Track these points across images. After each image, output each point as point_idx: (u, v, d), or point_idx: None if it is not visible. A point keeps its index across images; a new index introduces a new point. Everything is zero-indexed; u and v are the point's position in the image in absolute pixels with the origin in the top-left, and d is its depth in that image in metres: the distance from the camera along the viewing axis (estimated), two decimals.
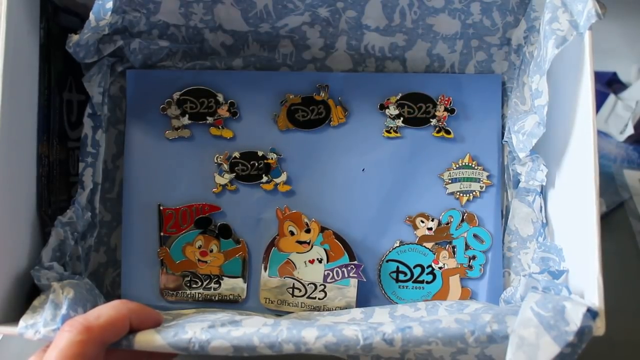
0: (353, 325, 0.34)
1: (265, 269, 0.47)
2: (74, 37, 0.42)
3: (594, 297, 0.34)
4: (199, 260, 0.47)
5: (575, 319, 0.32)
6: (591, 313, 0.33)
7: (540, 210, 0.45)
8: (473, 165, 0.48)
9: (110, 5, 0.40)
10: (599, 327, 0.33)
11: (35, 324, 0.35)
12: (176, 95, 0.48)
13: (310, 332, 0.34)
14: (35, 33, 0.42)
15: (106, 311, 0.33)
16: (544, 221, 0.45)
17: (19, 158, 0.40)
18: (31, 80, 0.42)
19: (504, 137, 0.48)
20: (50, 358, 0.31)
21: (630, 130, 0.61)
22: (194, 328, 0.34)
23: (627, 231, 0.56)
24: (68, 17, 0.46)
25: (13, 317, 0.37)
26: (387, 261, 0.47)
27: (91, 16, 0.41)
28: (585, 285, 0.35)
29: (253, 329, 0.34)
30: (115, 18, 0.44)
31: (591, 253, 0.34)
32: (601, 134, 0.63)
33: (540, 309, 0.33)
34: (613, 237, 0.56)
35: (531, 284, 0.38)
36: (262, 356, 0.34)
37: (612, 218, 0.57)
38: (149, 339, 0.34)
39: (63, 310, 0.35)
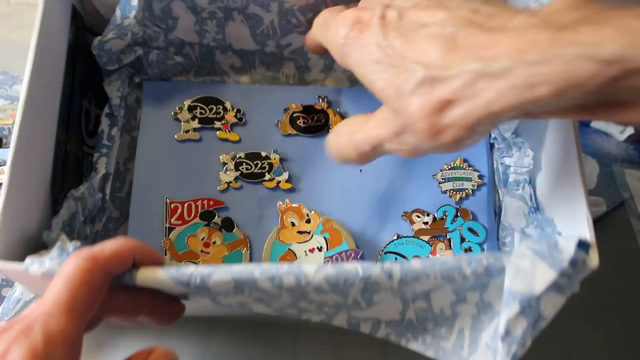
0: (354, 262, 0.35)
1: (267, 260, 0.48)
2: (99, 38, 0.47)
3: (585, 231, 0.35)
4: (201, 251, 0.48)
5: (568, 248, 0.33)
6: (583, 246, 0.34)
7: (531, 199, 0.47)
8: (464, 167, 0.51)
9: (135, 2, 0.45)
10: (592, 260, 0.34)
11: (41, 260, 0.35)
12: (187, 102, 0.52)
13: (311, 267, 0.34)
14: (65, 31, 0.46)
15: (110, 244, 0.34)
16: (535, 207, 0.46)
17: (39, 134, 0.42)
18: (58, 70, 0.45)
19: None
20: (56, 284, 0.31)
21: (630, 130, 0.62)
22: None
23: (627, 231, 0.56)
24: (93, 37, 0.52)
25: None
26: (385, 253, 0.48)
27: (117, 11, 0.46)
28: (577, 227, 0.36)
29: (254, 265, 0.35)
30: (137, 29, 0.49)
31: (578, 194, 0.36)
32: (601, 134, 0.63)
33: (534, 245, 0.34)
34: (613, 237, 0.56)
35: (524, 238, 0.39)
36: (262, 320, 0.34)
37: (612, 218, 0.57)
38: (152, 273, 0.34)
39: (70, 250, 0.36)
